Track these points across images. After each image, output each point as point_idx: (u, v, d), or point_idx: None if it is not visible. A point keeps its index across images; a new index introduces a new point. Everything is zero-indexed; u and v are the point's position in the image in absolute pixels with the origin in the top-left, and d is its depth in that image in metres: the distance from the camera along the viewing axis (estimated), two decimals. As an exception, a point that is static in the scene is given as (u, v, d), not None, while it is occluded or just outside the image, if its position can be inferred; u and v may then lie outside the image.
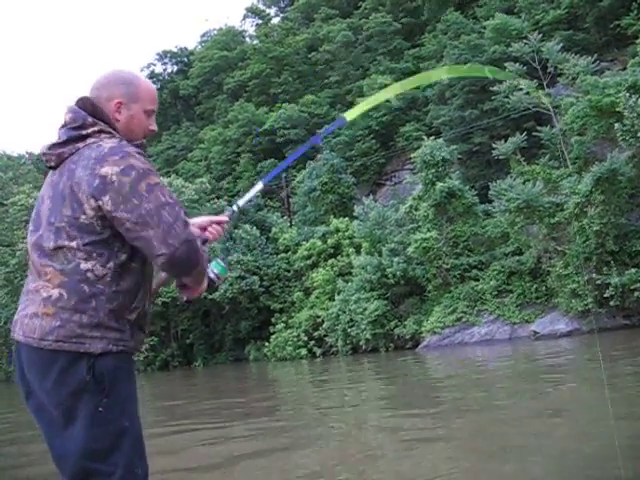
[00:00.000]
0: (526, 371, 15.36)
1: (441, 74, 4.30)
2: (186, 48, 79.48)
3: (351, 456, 7.34)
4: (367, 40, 54.35)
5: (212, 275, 2.75)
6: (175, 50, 78.81)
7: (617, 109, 23.60)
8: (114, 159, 2.34)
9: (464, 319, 26.43)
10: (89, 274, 2.37)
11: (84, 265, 2.37)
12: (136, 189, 2.32)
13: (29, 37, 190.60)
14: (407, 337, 28.18)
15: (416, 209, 29.91)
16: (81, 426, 2.34)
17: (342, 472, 6.62)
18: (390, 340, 28.97)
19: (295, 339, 33.57)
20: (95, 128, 2.50)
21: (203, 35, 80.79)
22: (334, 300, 31.90)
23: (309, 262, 35.80)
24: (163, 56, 78.54)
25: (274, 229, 40.07)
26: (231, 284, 35.45)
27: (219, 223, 2.96)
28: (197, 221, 2.89)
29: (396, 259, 28.47)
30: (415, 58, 49.91)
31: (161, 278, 2.80)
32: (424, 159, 29.11)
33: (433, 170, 28.70)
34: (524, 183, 25.22)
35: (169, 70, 78.90)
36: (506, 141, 29.70)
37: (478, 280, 27.23)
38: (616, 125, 23.41)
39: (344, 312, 30.48)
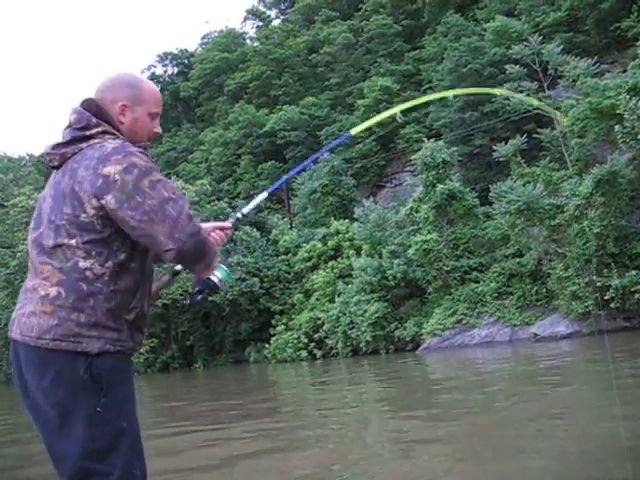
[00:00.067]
0: (526, 373, 15.35)
1: (448, 94, 4.36)
2: (187, 50, 79.49)
3: (350, 457, 7.33)
4: (367, 42, 54.36)
5: (216, 280, 2.76)
6: (176, 52, 78.81)
7: (617, 111, 23.59)
8: (116, 158, 2.36)
9: (464, 321, 26.43)
10: (87, 272, 2.37)
11: (83, 263, 2.37)
12: (139, 186, 2.33)
13: (30, 39, 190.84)
14: (407, 339, 28.18)
15: (416, 211, 29.91)
16: (79, 426, 2.34)
17: (341, 473, 6.62)
18: (390, 342, 28.97)
19: (295, 341, 33.56)
20: (99, 129, 2.52)
21: (204, 37, 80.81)
22: (334, 302, 31.90)
23: (309, 264, 35.81)
24: (164, 58, 78.55)
25: (274, 231, 40.08)
26: (231, 286, 35.45)
27: (223, 229, 2.97)
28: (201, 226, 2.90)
29: (396, 261, 28.48)
30: (415, 60, 49.93)
31: (162, 281, 2.81)
32: (424, 161, 29.11)
33: (433, 172, 28.70)
34: (524, 185, 25.22)
35: (169, 72, 78.91)
36: (506, 143, 29.72)
37: (478, 282, 27.23)
38: (616, 127, 23.40)
39: (344, 314, 30.48)
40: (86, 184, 2.37)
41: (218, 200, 44.47)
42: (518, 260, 26.80)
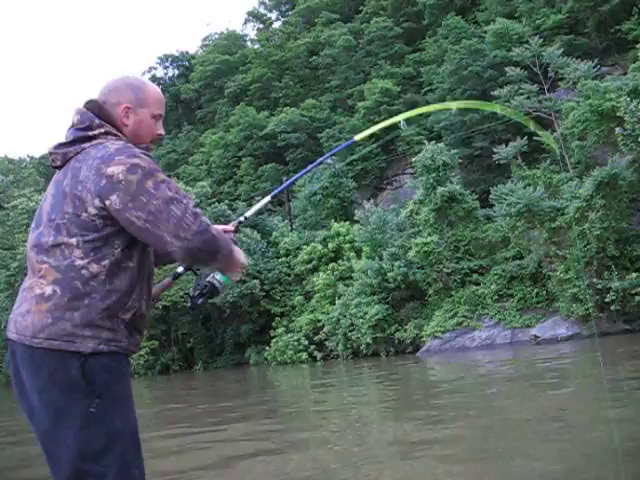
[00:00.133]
0: (526, 375, 15.34)
1: (451, 105, 4.36)
2: (187, 52, 79.66)
3: (350, 459, 7.33)
4: (368, 44, 54.42)
5: (216, 283, 2.75)
6: (176, 54, 78.97)
7: (618, 114, 23.62)
8: (120, 159, 2.35)
9: (465, 323, 26.43)
10: (84, 271, 2.36)
11: (79, 262, 2.36)
12: (143, 187, 2.32)
13: (31, 41, 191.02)
14: (408, 341, 28.16)
15: (417, 213, 29.91)
16: (73, 427, 2.32)
17: (341, 474, 6.62)
18: (391, 344, 28.95)
19: (296, 343, 33.54)
20: (102, 130, 2.52)
21: (204, 39, 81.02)
22: (335, 304, 31.90)
23: (310, 266, 35.79)
24: (164, 60, 78.68)
25: (275, 233, 40.08)
26: (231, 288, 35.41)
27: (225, 232, 2.96)
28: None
29: (397, 263, 28.47)
30: (416, 62, 50.00)
31: (163, 284, 2.80)
32: (425, 163, 29.11)
33: (434, 174, 28.71)
34: (525, 187, 25.23)
35: (170, 74, 79.08)
36: (507, 145, 29.75)
37: (479, 284, 27.23)
38: (617, 130, 23.44)
39: (345, 316, 30.46)
40: (89, 184, 2.37)
41: (218, 202, 44.45)
42: (518, 262, 26.79)
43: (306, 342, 33.29)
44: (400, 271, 28.22)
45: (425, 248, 27.48)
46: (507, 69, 32.18)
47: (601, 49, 37.11)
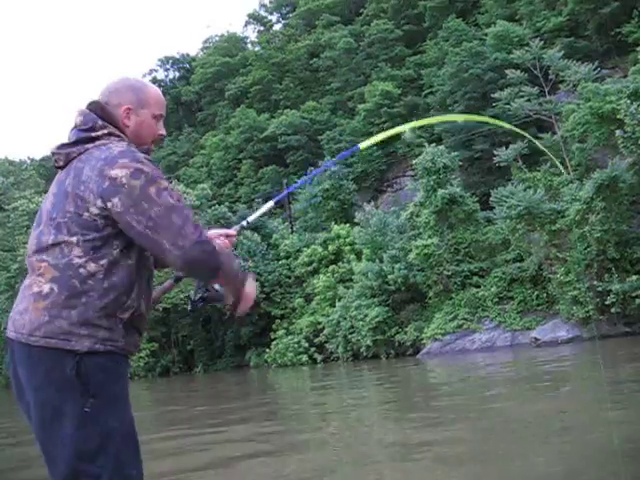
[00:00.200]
0: (526, 377, 15.34)
1: (458, 118, 4.38)
2: (188, 54, 79.76)
3: (349, 460, 7.34)
4: (369, 47, 54.46)
5: (219, 288, 2.75)
6: (177, 56, 79.10)
7: (618, 116, 23.62)
8: (124, 162, 2.36)
9: (465, 326, 26.41)
10: (81, 270, 2.36)
11: (77, 261, 2.36)
12: (146, 193, 2.33)
13: (31, 43, 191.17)
14: (408, 344, 28.14)
15: (417, 216, 29.90)
16: (68, 426, 2.31)
17: (340, 475, 6.62)
18: (391, 347, 28.93)
19: (296, 345, 33.53)
20: (105, 131, 2.54)
21: (205, 41, 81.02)
22: (335, 306, 31.87)
23: (310, 268, 35.78)
24: (165, 62, 78.80)
25: (275, 235, 40.07)
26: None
27: (227, 236, 2.96)
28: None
29: (397, 265, 28.45)
30: (416, 65, 50.04)
31: (164, 286, 2.80)
32: (425, 166, 29.10)
33: (434, 177, 28.69)
34: (525, 190, 25.22)
35: (171, 76, 79.22)
36: (507, 148, 29.74)
37: (479, 287, 27.21)
38: (617, 132, 23.44)
39: (345, 318, 30.45)
40: (92, 184, 2.37)
41: (219, 204, 44.47)
42: (519, 265, 26.78)
43: (306, 344, 33.27)
44: (400, 273, 28.21)
45: (425, 250, 27.47)
46: (507, 72, 32.18)
47: (601, 52, 37.13)
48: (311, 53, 59.64)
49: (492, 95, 32.93)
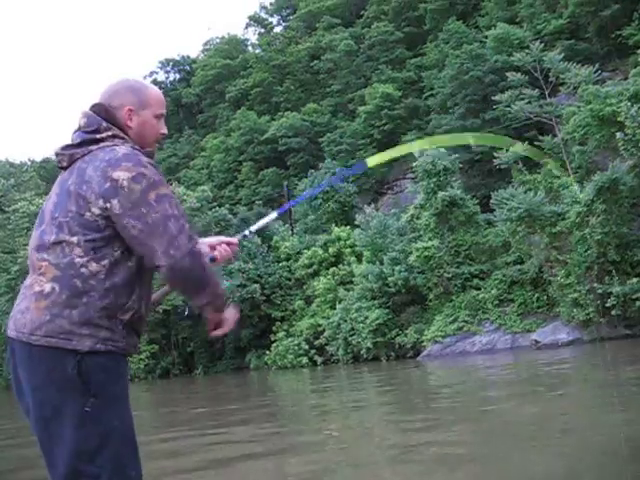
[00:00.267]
0: (527, 379, 15.34)
1: (469, 140, 4.41)
2: (189, 56, 79.76)
3: (349, 461, 7.33)
4: (369, 49, 54.51)
5: None
6: (178, 58, 79.10)
7: (619, 119, 23.62)
8: (127, 165, 2.38)
9: (465, 328, 26.39)
10: (83, 270, 2.37)
11: (79, 260, 2.37)
12: (145, 198, 2.34)
13: (31, 45, 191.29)
14: (408, 346, 28.13)
15: (417, 218, 29.91)
16: (69, 425, 2.32)
17: (339, 476, 6.63)
18: (391, 349, 28.91)
19: (296, 347, 33.50)
20: (109, 132, 2.56)
21: (206, 43, 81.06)
22: (335, 309, 31.86)
23: (310, 270, 35.78)
24: (166, 64, 78.85)
25: (275, 237, 40.06)
26: (232, 292, 35.42)
27: (229, 244, 2.97)
28: (207, 240, 2.91)
29: (397, 268, 28.45)
30: (417, 67, 50.10)
31: (163, 290, 2.80)
32: (425, 168, 29.09)
33: (434, 179, 28.69)
34: (525, 192, 25.22)
35: (171, 78, 79.25)
36: (508, 150, 29.71)
37: (479, 289, 27.20)
38: (618, 134, 23.43)
39: (345, 321, 30.43)
40: (94, 184, 2.39)
41: (219, 206, 44.50)
42: (519, 267, 26.76)
43: (306, 346, 33.25)
44: (401, 276, 28.20)
45: (426, 253, 27.47)
46: (508, 74, 32.18)
47: (602, 54, 37.13)
48: (312, 55, 59.67)
49: (492, 97, 32.95)
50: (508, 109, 31.40)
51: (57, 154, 2.61)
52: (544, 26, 38.93)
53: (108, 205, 2.35)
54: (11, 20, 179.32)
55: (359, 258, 33.24)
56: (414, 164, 31.45)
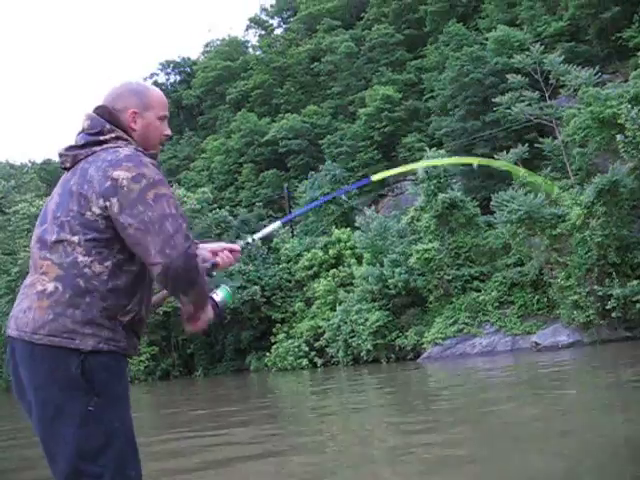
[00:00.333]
0: (527, 381, 15.35)
1: (473, 161, 4.44)
2: (189, 58, 79.74)
3: (349, 462, 7.34)
4: (369, 51, 54.54)
5: (218, 299, 2.76)
6: (178, 60, 79.09)
7: (619, 121, 23.63)
8: (128, 165, 2.39)
9: (465, 330, 26.37)
10: (86, 269, 2.38)
11: (82, 260, 2.38)
12: (143, 197, 2.35)
13: (32, 47, 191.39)
14: (408, 348, 28.11)
15: (418, 220, 29.90)
16: (72, 424, 2.32)
17: (339, 476, 6.63)
18: (391, 351, 28.89)
19: (296, 349, 33.48)
20: (112, 134, 2.58)
21: (206, 45, 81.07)
22: (335, 310, 31.84)
23: (310, 272, 35.77)
24: (166, 66, 78.85)
25: (275, 239, 40.05)
26: (233, 293, 35.39)
27: (232, 251, 2.97)
28: (209, 246, 2.91)
29: (397, 270, 28.44)
30: (417, 69, 50.14)
31: (163, 293, 2.81)
32: (426, 170, 29.10)
33: (435, 181, 28.68)
34: (526, 194, 25.22)
35: (172, 80, 79.21)
36: (508, 152, 29.75)
37: (480, 291, 27.18)
38: (618, 137, 23.44)
39: (345, 323, 30.42)
40: (95, 183, 2.41)
41: (219, 208, 44.50)
42: (519, 269, 26.76)
43: (307, 348, 33.22)
44: (401, 278, 28.19)
45: (426, 255, 27.46)
46: (508, 76, 32.21)
47: (602, 56, 37.16)
48: (312, 57, 59.69)
49: (493, 99, 32.98)
50: (508, 111, 31.42)
51: (61, 155, 2.64)
52: (544, 28, 38.95)
53: (108, 204, 2.36)
54: (12, 21, 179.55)
55: (359, 260, 33.23)
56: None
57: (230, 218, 42.34)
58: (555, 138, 29.91)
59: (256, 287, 36.11)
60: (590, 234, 23.02)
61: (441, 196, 27.74)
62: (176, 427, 13.02)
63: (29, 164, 72.41)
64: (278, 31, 76.20)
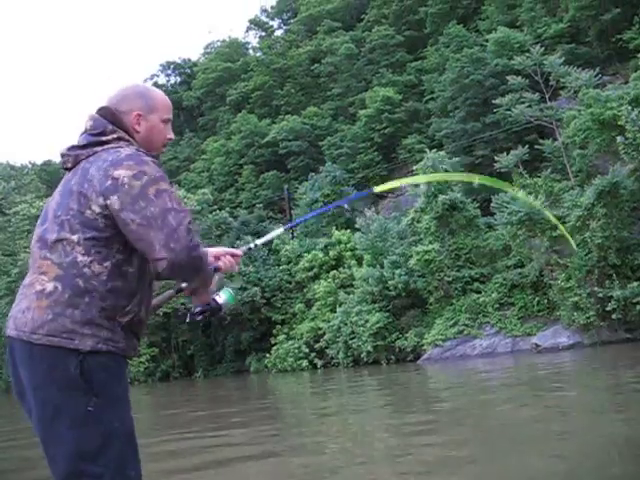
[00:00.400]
0: (527, 382, 15.34)
1: (474, 179, 4.44)
2: (189, 59, 79.77)
3: (348, 462, 7.33)
4: (370, 53, 54.56)
5: (221, 301, 2.77)
6: (178, 61, 79.12)
7: (619, 122, 23.64)
8: (129, 164, 2.40)
9: (466, 332, 26.38)
10: (85, 269, 2.38)
11: (82, 260, 2.38)
12: (145, 192, 2.35)
13: (32, 48, 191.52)
14: (408, 349, 28.11)
15: (418, 221, 29.91)
16: (71, 425, 2.32)
17: (339, 477, 6.63)
18: (391, 352, 28.90)
19: (296, 351, 33.50)
20: (114, 135, 2.58)
21: (206, 47, 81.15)
22: (335, 312, 31.86)
23: (311, 274, 35.78)
24: (166, 67, 78.89)
25: (276, 240, 40.04)
26: (235, 293, 35.37)
27: (234, 255, 2.98)
28: (212, 250, 2.92)
29: (398, 271, 28.44)
30: (417, 71, 50.15)
31: (164, 296, 2.81)
32: (426, 171, 29.09)
33: (435, 182, 28.68)
34: (526, 196, 25.21)
35: (172, 81, 79.24)
36: (508, 154, 29.76)
37: (480, 293, 27.19)
38: (618, 138, 23.45)
39: (345, 324, 30.43)
40: (95, 182, 2.41)
41: (220, 209, 44.53)
42: (520, 271, 26.76)
43: (307, 350, 33.25)
44: (401, 279, 28.20)
45: (426, 256, 27.47)
46: (508, 78, 32.20)
47: (602, 58, 37.17)
48: (312, 59, 59.71)
49: (493, 101, 32.98)
50: (508, 113, 31.42)
51: (62, 155, 2.64)
52: (544, 30, 38.97)
53: (108, 202, 2.36)
54: (12, 22, 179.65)
55: (359, 261, 33.25)
56: (415, 167, 31.48)
57: (230, 219, 42.37)
58: (555, 140, 29.91)
59: (256, 288, 36.13)
60: (590, 236, 23.03)
61: (441, 197, 27.75)
62: (176, 428, 13.01)
63: (29, 165, 72.41)
64: (278, 32, 76.31)
